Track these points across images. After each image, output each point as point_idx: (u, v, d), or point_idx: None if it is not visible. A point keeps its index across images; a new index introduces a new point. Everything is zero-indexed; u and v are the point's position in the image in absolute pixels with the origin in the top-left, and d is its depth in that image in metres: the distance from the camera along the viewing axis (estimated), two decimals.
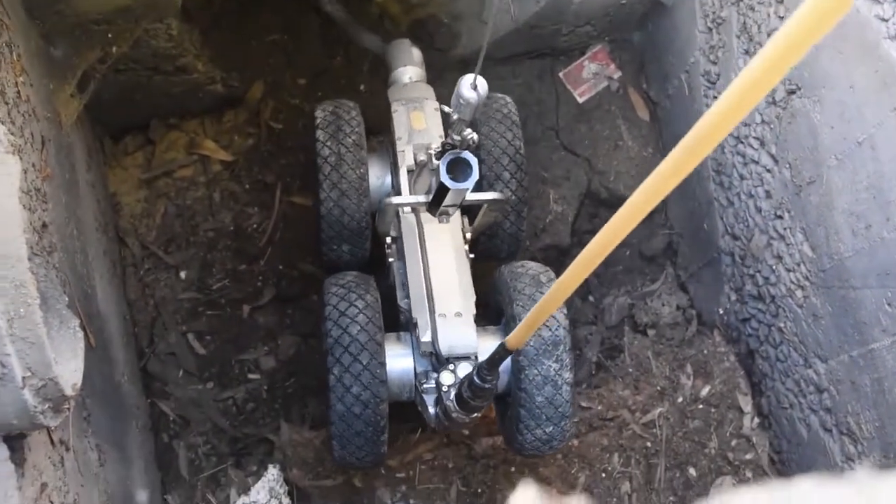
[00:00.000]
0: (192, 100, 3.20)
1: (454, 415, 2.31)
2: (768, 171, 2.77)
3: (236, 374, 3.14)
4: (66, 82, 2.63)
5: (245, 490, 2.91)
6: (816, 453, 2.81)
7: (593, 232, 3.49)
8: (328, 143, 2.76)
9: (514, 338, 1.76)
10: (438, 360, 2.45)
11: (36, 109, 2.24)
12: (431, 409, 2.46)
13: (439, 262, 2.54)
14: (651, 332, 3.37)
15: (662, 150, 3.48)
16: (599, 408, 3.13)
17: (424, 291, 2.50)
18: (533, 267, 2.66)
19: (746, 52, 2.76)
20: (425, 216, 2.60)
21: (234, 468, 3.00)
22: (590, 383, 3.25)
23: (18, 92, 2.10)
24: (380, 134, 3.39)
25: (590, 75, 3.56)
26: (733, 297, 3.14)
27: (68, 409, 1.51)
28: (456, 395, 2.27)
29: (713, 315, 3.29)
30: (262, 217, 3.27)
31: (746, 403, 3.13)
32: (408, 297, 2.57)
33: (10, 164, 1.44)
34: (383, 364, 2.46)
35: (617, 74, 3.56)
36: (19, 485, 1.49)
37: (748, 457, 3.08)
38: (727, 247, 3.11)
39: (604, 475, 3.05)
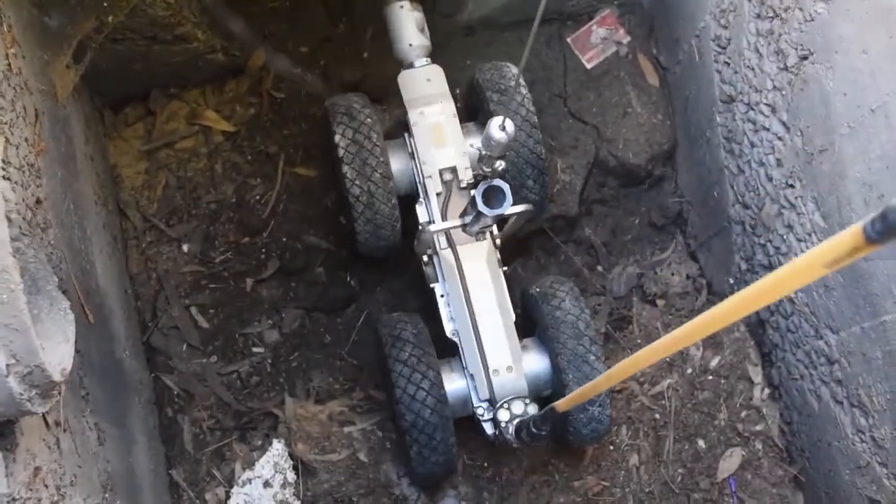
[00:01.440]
0: (193, 69, 3.15)
1: (514, 445, 2.69)
2: (779, 138, 2.70)
3: (240, 347, 3.11)
4: (62, 53, 2.58)
5: (250, 464, 2.90)
6: (827, 425, 2.77)
7: (601, 201, 3.49)
8: (357, 182, 2.84)
9: (564, 403, 2.10)
10: (492, 403, 2.75)
11: (28, 82, 2.19)
12: (490, 431, 2.77)
13: (481, 297, 2.78)
14: (660, 303, 3.32)
15: (672, 117, 3.42)
16: None
17: (475, 343, 2.75)
18: (571, 310, 2.83)
19: (758, 15, 2.68)
20: (458, 235, 2.78)
21: (238, 442, 2.98)
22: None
23: (9, 64, 2.06)
24: (386, 101, 3.34)
25: (598, 40, 3.49)
26: (744, 267, 3.09)
27: (58, 394, 1.48)
28: (515, 431, 2.63)
29: (723, 285, 3.24)
30: (265, 188, 3.23)
31: (757, 374, 3.08)
32: (456, 332, 2.83)
33: None
34: (452, 432, 2.76)
35: (626, 39, 3.49)
36: (10, 471, 1.47)
37: (758, 428, 3.04)
38: (738, 216, 3.05)
39: (611, 447, 3.02)
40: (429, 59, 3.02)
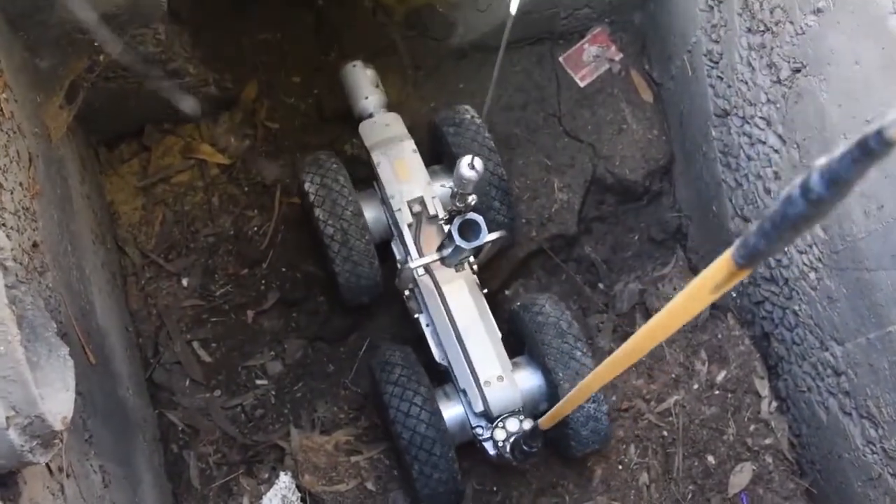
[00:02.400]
0: None
1: (514, 463, 2.74)
2: (776, 151, 2.69)
3: (244, 380, 3.10)
4: (54, 94, 2.58)
5: (258, 498, 2.88)
6: (836, 437, 2.75)
7: (600, 219, 3.48)
8: (329, 221, 2.90)
9: (546, 420, 2.18)
10: (489, 419, 2.76)
11: (21, 125, 2.19)
12: (492, 452, 2.77)
13: (464, 318, 2.81)
14: None
15: (667, 133, 3.41)
16: (613, 399, 3.07)
17: (464, 360, 2.78)
18: (552, 313, 2.90)
19: (749, 29, 2.68)
20: (436, 266, 2.84)
21: (245, 476, 2.96)
22: None
23: (1, 109, 2.05)
24: None
25: (590, 58, 3.49)
26: (745, 280, 3.07)
27: (60, 442, 1.47)
28: (510, 449, 2.67)
29: (726, 298, 3.23)
30: (263, 220, 3.22)
31: (763, 387, 3.07)
32: (445, 357, 2.86)
33: None
34: (452, 448, 2.76)
35: (618, 56, 3.49)
36: None
37: (767, 442, 3.02)
38: (737, 229, 3.04)
39: (620, 467, 3.00)
40: (385, 110, 3.13)
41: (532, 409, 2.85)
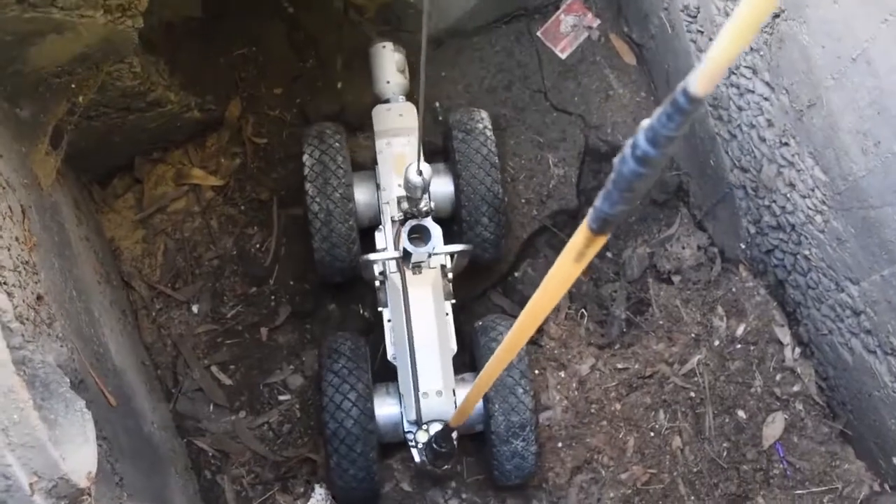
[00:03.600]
0: (172, 130, 3.14)
1: (428, 467, 2.75)
2: (766, 99, 2.67)
3: (266, 398, 3.10)
4: (39, 141, 2.57)
5: None
6: (864, 376, 2.73)
7: (600, 188, 3.44)
8: (317, 199, 2.92)
9: (455, 419, 2.20)
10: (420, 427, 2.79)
11: (10, 179, 2.18)
12: (418, 458, 2.79)
13: (422, 325, 2.80)
14: (676, 279, 3.29)
15: (655, 93, 3.39)
16: (636, 366, 3.06)
17: (409, 368, 2.77)
18: (505, 331, 2.89)
19: None
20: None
21: (281, 493, 2.97)
22: (622, 342, 3.18)
23: None
24: (368, 129, 3.33)
25: (568, 29, 3.46)
26: (753, 230, 3.05)
27: (88, 496, 1.47)
28: (426, 452, 2.71)
29: (735, 251, 3.21)
30: (264, 235, 3.22)
31: (785, 335, 3.05)
32: (395, 357, 2.85)
33: None
34: (374, 448, 2.78)
35: (596, 23, 3.46)
36: None
37: (795, 389, 3.01)
38: (738, 180, 3.02)
39: (652, 434, 2.99)
40: (404, 98, 3.12)
41: (468, 429, 2.87)
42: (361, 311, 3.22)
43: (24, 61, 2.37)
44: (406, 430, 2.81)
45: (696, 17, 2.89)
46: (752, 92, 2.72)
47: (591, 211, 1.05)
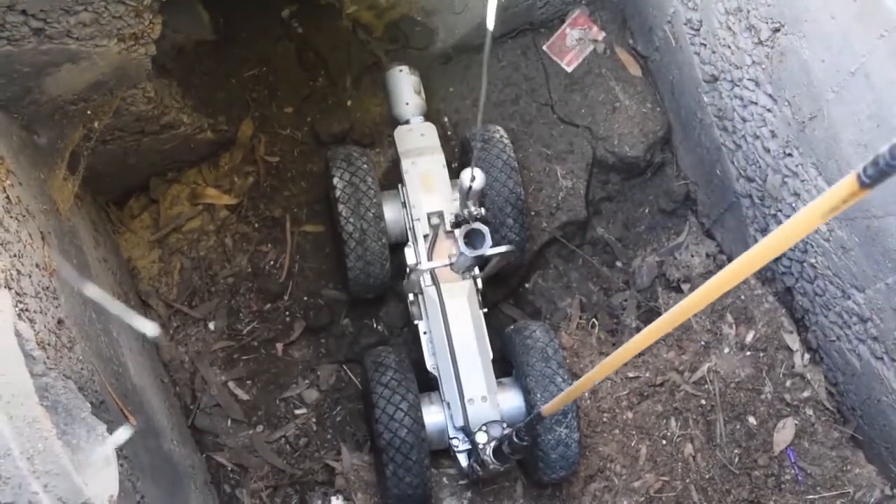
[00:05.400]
0: (186, 151, 3.19)
1: (491, 466, 2.72)
2: (769, 110, 2.70)
3: (283, 412, 3.15)
4: (57, 167, 2.63)
5: None
6: (872, 381, 2.76)
7: (608, 199, 3.49)
8: (351, 220, 3.00)
9: (549, 407, 2.15)
10: (467, 434, 2.85)
11: (29, 207, 2.23)
12: (464, 463, 2.86)
13: (461, 334, 2.91)
14: (685, 287, 3.33)
15: (661, 104, 3.42)
16: (647, 375, 3.10)
17: (453, 375, 2.87)
18: (541, 338, 2.97)
19: None
20: (442, 275, 2.96)
21: None
22: None
23: (8, 197, 2.10)
24: (378, 145, 3.39)
25: (574, 42, 3.50)
26: (759, 238, 3.08)
27: None
28: (494, 450, 2.68)
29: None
30: (278, 252, 3.27)
31: (794, 341, 3.08)
32: (436, 366, 2.94)
33: (1, 300, 1.43)
34: (427, 455, 2.84)
35: (601, 36, 3.50)
36: None
37: (805, 394, 3.04)
38: (744, 190, 3.05)
39: (664, 442, 3.03)
40: (423, 118, 3.22)
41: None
42: (375, 326, 3.27)
43: (40, 90, 2.43)
44: (451, 436, 2.88)
45: (698, 30, 2.93)
46: (756, 104, 2.75)
47: (871, 163, 0.98)
